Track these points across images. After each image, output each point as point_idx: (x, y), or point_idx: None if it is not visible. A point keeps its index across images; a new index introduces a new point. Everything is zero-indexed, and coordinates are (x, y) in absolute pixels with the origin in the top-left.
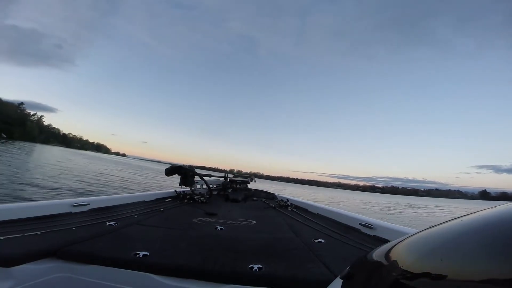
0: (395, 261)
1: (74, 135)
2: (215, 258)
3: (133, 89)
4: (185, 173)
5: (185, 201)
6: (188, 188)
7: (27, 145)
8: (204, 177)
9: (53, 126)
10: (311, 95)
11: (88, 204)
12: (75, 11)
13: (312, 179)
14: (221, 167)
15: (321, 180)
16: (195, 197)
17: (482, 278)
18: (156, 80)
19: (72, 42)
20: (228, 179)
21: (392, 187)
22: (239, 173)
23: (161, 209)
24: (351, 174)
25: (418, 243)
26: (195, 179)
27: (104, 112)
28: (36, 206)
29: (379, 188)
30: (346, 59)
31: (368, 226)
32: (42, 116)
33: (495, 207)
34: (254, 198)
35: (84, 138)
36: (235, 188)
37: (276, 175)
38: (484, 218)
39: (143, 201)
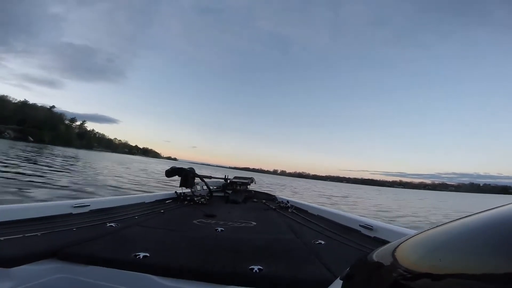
0: (395, 262)
1: (120, 140)
2: (215, 259)
3: (180, 96)
4: (186, 174)
5: (186, 202)
6: (189, 190)
7: (57, 149)
8: (204, 179)
9: (96, 131)
10: (354, 90)
11: (89, 205)
12: (116, 25)
13: (365, 178)
14: (265, 168)
15: (377, 179)
16: (195, 199)
17: (481, 278)
18: (197, 85)
19: (119, 55)
20: (228, 181)
21: (471, 184)
22: (283, 172)
23: (162, 211)
24: (408, 172)
25: (418, 244)
26: (196, 180)
27: (157, 120)
28: (36, 207)
29: (452, 185)
30: (390, 49)
31: (369, 227)
32: (84, 121)
33: (495, 208)
34: (254, 200)
35: (133, 144)
36: (235, 189)
37: (323, 175)
38: (484, 219)
39: (143, 203)
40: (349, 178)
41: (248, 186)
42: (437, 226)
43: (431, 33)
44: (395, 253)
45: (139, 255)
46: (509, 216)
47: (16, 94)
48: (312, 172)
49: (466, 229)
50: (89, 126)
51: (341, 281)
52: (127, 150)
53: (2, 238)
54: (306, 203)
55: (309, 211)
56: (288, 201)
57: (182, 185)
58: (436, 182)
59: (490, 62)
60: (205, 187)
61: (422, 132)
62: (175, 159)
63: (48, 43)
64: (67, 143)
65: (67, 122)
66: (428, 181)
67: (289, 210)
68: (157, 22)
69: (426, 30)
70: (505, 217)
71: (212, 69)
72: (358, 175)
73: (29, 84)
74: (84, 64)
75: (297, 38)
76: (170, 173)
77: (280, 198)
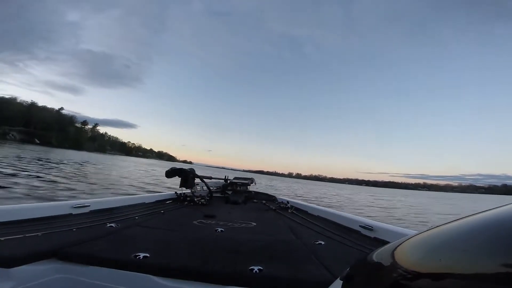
0: (395, 262)
1: (133, 144)
2: (215, 260)
3: (194, 100)
4: (186, 175)
5: (186, 203)
6: (189, 190)
7: (64, 153)
8: (204, 179)
9: (110, 134)
10: (369, 90)
11: (89, 205)
12: (131, 31)
13: (386, 180)
14: (279, 171)
15: (399, 182)
16: (195, 199)
17: (481, 278)
18: (210, 89)
19: (136, 62)
20: (228, 181)
21: (504, 185)
22: (298, 175)
23: (162, 211)
24: (430, 173)
25: (418, 244)
26: (196, 181)
27: (174, 124)
28: (36, 207)
29: (482, 188)
30: (406, 47)
31: (369, 228)
32: (96, 124)
33: (495, 208)
34: (254, 200)
35: (148, 147)
36: (235, 190)
37: (341, 178)
38: (484, 219)
39: (144, 203)
40: (368, 180)
41: (248, 187)
42: (437, 226)
43: (445, 28)
44: (395, 254)
45: (139, 255)
46: (509, 216)
47: (41, 100)
48: (328, 175)
49: (466, 229)
50: (109, 131)
51: (341, 282)
52: (141, 153)
53: (2, 238)
54: (306, 203)
55: (309, 211)
56: (288, 202)
57: (182, 185)
58: (463, 184)
59: (508, 57)
60: (205, 188)
61: (441, 133)
62: (190, 163)
63: (68, 50)
64: (76, 146)
65: (77, 125)
66: (454, 183)
67: (289, 211)
68: (170, 27)
69: (442, 26)
70: (505, 217)
71: (224, 72)
72: (378, 178)
73: (53, 90)
74: (103, 70)
75: (309, 38)
76: (170, 173)
77: (280, 198)
